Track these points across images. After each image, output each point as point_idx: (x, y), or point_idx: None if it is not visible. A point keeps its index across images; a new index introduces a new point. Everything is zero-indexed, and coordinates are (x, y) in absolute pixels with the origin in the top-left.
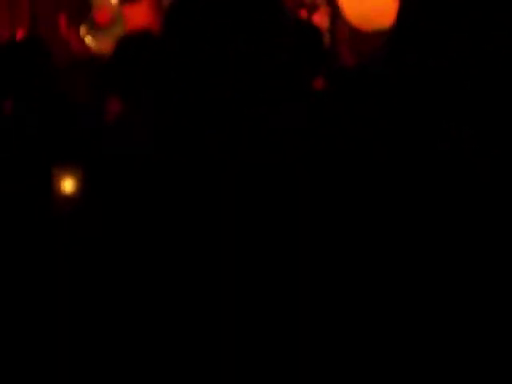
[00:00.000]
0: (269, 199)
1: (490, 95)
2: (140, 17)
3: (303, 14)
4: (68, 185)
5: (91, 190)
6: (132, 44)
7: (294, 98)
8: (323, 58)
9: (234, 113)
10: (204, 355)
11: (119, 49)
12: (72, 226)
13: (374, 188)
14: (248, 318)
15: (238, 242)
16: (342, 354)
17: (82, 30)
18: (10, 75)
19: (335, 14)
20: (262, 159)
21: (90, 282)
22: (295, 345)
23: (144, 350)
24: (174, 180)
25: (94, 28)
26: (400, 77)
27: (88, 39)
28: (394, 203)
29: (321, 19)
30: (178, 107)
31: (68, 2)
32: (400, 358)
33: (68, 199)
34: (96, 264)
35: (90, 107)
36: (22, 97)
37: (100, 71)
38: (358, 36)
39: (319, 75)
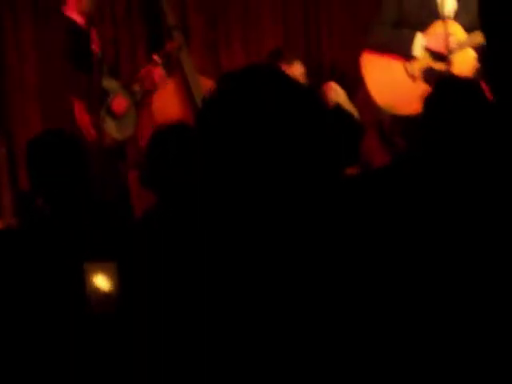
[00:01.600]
0: None
1: None
2: (167, 102)
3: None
4: (100, 280)
5: (123, 285)
6: (167, 137)
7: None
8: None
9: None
10: None
11: (154, 142)
12: (105, 321)
13: None
14: None
15: None
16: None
17: (99, 117)
18: (41, 170)
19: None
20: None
21: None
22: None
23: None
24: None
25: (110, 116)
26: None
27: (105, 127)
28: None
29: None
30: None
31: (84, 90)
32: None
33: (100, 295)
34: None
35: (119, 202)
36: (53, 193)
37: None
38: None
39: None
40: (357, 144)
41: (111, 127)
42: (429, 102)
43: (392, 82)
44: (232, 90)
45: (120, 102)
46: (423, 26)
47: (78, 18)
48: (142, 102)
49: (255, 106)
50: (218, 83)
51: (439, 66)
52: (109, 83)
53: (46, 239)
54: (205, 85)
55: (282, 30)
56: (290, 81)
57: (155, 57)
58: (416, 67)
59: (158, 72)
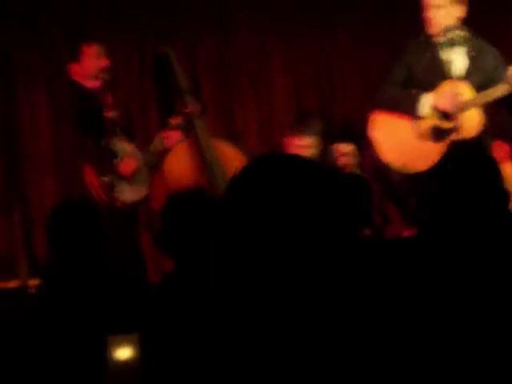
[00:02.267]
0: None
1: None
2: (179, 163)
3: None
4: (122, 353)
5: (146, 356)
6: (183, 201)
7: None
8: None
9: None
10: None
11: (170, 207)
12: None
13: None
14: None
15: None
16: None
17: (107, 180)
18: (62, 239)
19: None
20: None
21: None
22: None
23: None
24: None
25: (120, 178)
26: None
27: (115, 189)
28: None
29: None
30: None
31: (94, 154)
32: None
33: (122, 367)
34: None
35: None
36: (73, 260)
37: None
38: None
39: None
40: (370, 206)
41: (121, 189)
42: (443, 172)
43: (400, 141)
44: (257, 173)
45: (128, 164)
46: (432, 86)
47: (89, 83)
48: (157, 165)
49: (277, 190)
50: (245, 165)
51: (447, 124)
52: (120, 145)
53: (66, 308)
54: (216, 147)
55: (294, 93)
56: (311, 167)
57: (175, 120)
58: (423, 126)
59: (176, 136)
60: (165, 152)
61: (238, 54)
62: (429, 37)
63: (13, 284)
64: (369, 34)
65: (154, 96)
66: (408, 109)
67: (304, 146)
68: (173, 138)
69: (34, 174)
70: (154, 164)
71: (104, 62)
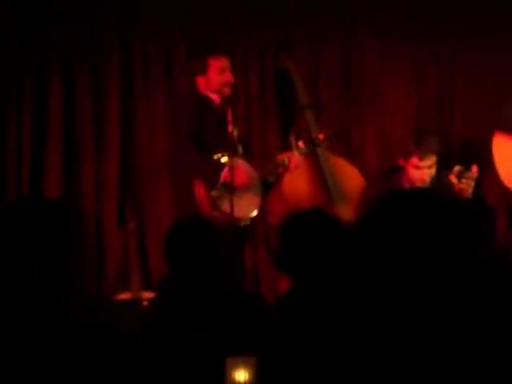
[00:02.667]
0: None
1: None
2: (298, 180)
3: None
4: (241, 375)
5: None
6: (303, 220)
7: None
8: None
9: None
10: None
11: (290, 226)
12: None
13: None
14: None
15: None
16: None
17: (215, 194)
18: (180, 254)
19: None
20: None
21: None
22: None
23: None
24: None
25: (226, 191)
26: None
27: (221, 203)
28: None
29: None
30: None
31: (204, 169)
32: None
33: None
34: None
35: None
36: (192, 281)
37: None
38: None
39: None
40: (492, 231)
41: (226, 203)
42: None
43: None
44: (391, 207)
45: (239, 176)
46: None
47: (213, 97)
48: (274, 184)
49: (411, 224)
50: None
51: None
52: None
53: (181, 323)
54: (336, 165)
55: (416, 109)
56: (441, 201)
57: (301, 144)
58: None
59: (296, 159)
60: (284, 172)
61: (360, 66)
62: None
63: (125, 296)
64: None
65: (274, 112)
66: None
67: (423, 166)
68: (294, 161)
69: (149, 186)
70: (271, 182)
71: (229, 77)
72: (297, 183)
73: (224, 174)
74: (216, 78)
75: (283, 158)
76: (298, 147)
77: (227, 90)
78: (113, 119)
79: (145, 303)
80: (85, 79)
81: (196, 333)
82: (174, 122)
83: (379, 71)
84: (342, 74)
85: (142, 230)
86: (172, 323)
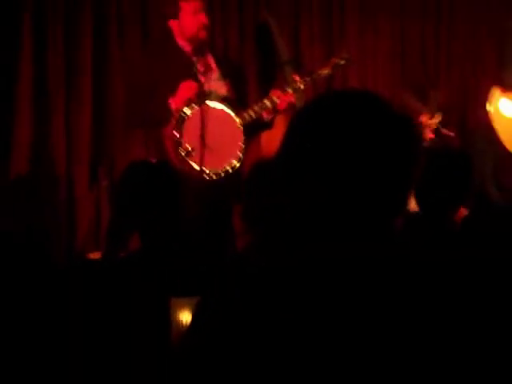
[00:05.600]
0: None
1: None
2: (277, 138)
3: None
4: (186, 316)
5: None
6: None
7: None
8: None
9: None
10: None
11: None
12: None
13: None
14: None
15: None
16: None
17: (182, 150)
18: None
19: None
20: None
21: None
22: None
23: None
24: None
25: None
26: None
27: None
28: None
29: None
30: None
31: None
32: None
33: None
34: None
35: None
36: (143, 223)
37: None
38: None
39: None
40: (466, 186)
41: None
42: None
43: None
44: (326, 111)
45: (212, 127)
46: None
47: (186, 45)
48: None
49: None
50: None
51: None
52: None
53: (133, 271)
54: None
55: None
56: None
57: (299, 78)
58: None
59: (289, 97)
60: (274, 114)
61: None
62: None
63: (96, 255)
64: None
65: (253, 67)
66: None
67: (432, 124)
68: (287, 98)
69: (121, 140)
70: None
71: (203, 18)
72: (275, 138)
73: (191, 127)
74: (189, 21)
75: (273, 96)
76: (292, 83)
77: (202, 34)
78: (85, 69)
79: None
80: (57, 28)
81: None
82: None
83: (361, 28)
84: (324, 30)
85: (114, 187)
86: (124, 269)
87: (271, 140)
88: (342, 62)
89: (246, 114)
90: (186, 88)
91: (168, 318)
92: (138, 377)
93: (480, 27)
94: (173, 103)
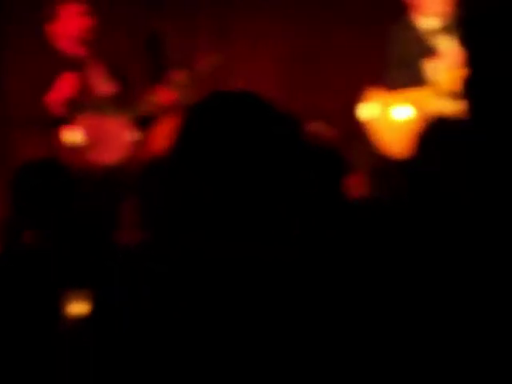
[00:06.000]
0: None
1: None
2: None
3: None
4: (76, 308)
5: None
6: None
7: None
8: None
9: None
10: None
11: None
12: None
13: None
14: None
15: None
16: None
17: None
18: (27, 197)
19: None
20: None
21: None
22: None
23: None
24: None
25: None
26: None
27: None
28: None
29: None
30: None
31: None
32: None
33: (75, 322)
34: None
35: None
36: (37, 219)
37: None
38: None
39: None
40: (337, 183)
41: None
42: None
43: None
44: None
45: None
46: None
47: (67, 48)
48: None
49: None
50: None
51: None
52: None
53: (26, 264)
54: None
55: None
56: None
57: (180, 76)
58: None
59: (171, 94)
60: (158, 111)
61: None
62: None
63: None
64: None
65: (144, 70)
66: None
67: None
68: (169, 96)
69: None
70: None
71: (85, 21)
72: (163, 140)
73: (79, 124)
74: (71, 23)
75: (156, 93)
76: (174, 80)
77: (83, 37)
78: None
79: None
80: None
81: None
82: None
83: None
84: (217, 34)
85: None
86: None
87: (160, 137)
88: (221, 61)
89: (131, 111)
90: (66, 84)
91: (59, 309)
92: (26, 367)
93: (366, 29)
94: (50, 99)
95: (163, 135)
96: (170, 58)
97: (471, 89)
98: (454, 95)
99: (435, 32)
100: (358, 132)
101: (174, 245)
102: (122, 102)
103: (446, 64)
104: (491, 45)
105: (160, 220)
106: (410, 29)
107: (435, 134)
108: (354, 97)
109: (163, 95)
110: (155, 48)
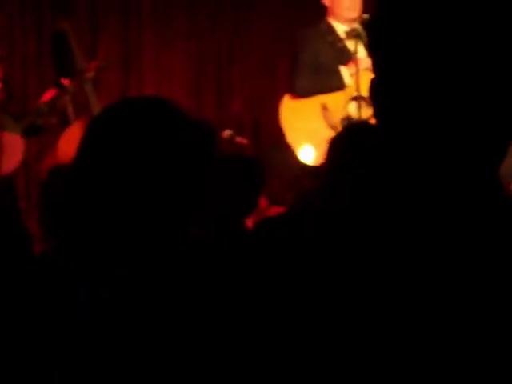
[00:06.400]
0: None
1: None
2: (74, 144)
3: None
4: None
5: None
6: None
7: None
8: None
9: None
10: None
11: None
12: None
13: None
14: None
15: None
16: None
17: None
18: None
19: None
20: None
21: None
22: None
23: None
24: None
25: None
26: None
27: None
28: None
29: None
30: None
31: None
32: None
33: None
34: None
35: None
36: None
37: None
38: None
39: None
40: (255, 194)
41: None
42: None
43: (311, 132)
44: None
45: None
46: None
47: None
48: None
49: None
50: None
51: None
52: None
53: None
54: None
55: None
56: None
57: (66, 82)
58: (336, 117)
59: (64, 100)
60: (52, 113)
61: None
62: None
63: None
64: None
65: (51, 75)
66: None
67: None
68: (63, 102)
69: None
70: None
71: None
72: (71, 146)
73: None
74: None
75: (44, 102)
76: (64, 87)
77: None
78: None
79: None
80: None
81: None
82: None
83: (157, 39)
84: (121, 40)
85: None
86: None
87: (68, 144)
88: (106, 65)
89: (24, 119)
90: None
91: None
92: None
93: (274, 38)
94: None
95: (68, 143)
96: (78, 61)
97: (378, 93)
98: (368, 100)
99: (350, 37)
100: (273, 139)
101: (77, 253)
102: (11, 111)
103: (361, 69)
104: (395, 48)
105: (63, 229)
106: (326, 34)
107: (348, 139)
108: (266, 102)
109: (46, 96)
110: (62, 49)
